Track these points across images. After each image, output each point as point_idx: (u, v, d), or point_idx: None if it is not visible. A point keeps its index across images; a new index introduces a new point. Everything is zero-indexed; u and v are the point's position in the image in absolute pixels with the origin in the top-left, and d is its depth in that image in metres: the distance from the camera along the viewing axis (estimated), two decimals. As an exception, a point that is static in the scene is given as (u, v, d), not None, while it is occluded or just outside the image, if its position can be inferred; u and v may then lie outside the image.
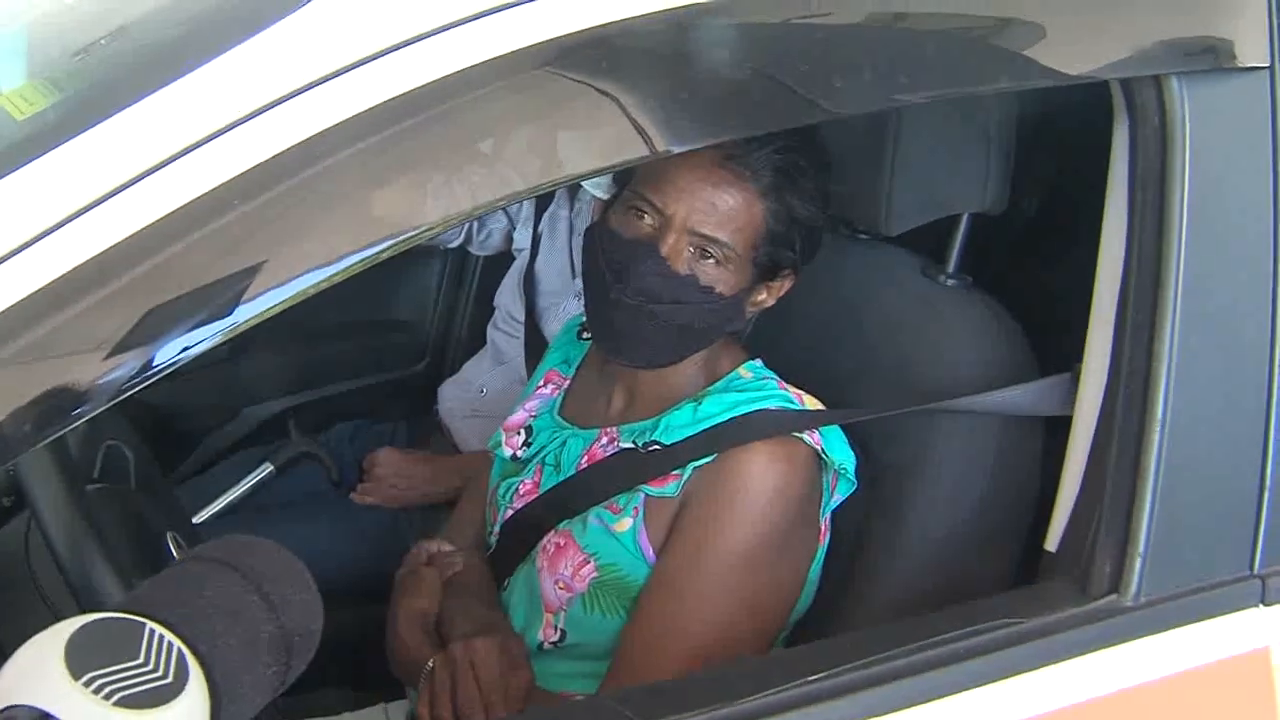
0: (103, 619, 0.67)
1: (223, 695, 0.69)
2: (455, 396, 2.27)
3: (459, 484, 2.07)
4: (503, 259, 2.40)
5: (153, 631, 0.67)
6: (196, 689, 0.67)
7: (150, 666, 0.66)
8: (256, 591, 0.73)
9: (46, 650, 0.65)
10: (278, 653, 0.73)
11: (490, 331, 2.31)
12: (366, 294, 2.46)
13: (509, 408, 1.65)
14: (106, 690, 0.64)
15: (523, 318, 2.19)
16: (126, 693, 0.65)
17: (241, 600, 0.72)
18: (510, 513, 1.52)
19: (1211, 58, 1.12)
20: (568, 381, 1.60)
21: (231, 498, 2.10)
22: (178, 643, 0.68)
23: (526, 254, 2.26)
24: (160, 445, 1.93)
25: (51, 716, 0.63)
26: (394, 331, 2.57)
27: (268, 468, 2.15)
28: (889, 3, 1.06)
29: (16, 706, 0.63)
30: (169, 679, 0.66)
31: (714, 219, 1.31)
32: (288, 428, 2.23)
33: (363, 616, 1.93)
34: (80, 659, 0.65)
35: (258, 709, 0.73)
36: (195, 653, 0.68)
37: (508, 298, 2.28)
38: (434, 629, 1.44)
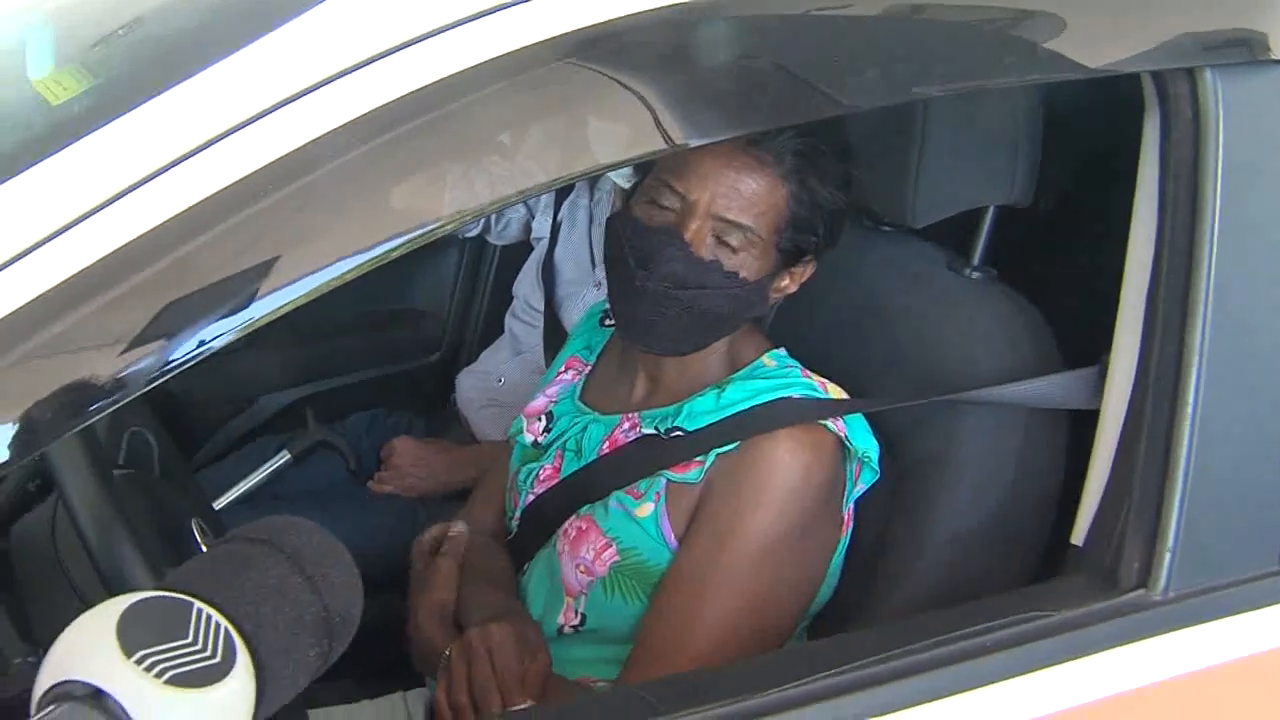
0: (152, 598, 0.67)
1: (267, 675, 0.69)
2: (473, 386, 2.27)
3: (477, 474, 2.07)
4: (520, 248, 2.40)
5: (200, 610, 0.67)
6: (243, 669, 0.68)
7: (199, 646, 0.66)
8: (300, 573, 0.73)
9: (99, 627, 0.66)
10: (320, 634, 0.74)
11: (509, 321, 2.31)
12: (383, 284, 2.46)
13: (527, 397, 1.65)
14: (158, 668, 0.64)
15: (541, 307, 2.19)
16: (177, 671, 0.65)
17: (286, 581, 0.73)
18: (531, 498, 1.52)
19: (1245, 50, 1.12)
20: (589, 368, 1.60)
21: (249, 485, 2.10)
22: (225, 622, 0.68)
23: (545, 243, 2.26)
24: (177, 433, 1.93)
25: (105, 692, 0.63)
26: (411, 321, 2.57)
27: (285, 456, 2.14)
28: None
29: (71, 682, 0.64)
30: (217, 658, 0.66)
31: (737, 204, 1.31)
32: (304, 417, 2.22)
33: (380, 605, 1.93)
34: (132, 637, 0.65)
35: (299, 689, 0.73)
36: (241, 632, 0.68)
37: (526, 287, 2.27)
38: (453, 619, 1.44)
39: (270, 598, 0.71)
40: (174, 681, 0.65)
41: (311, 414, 2.22)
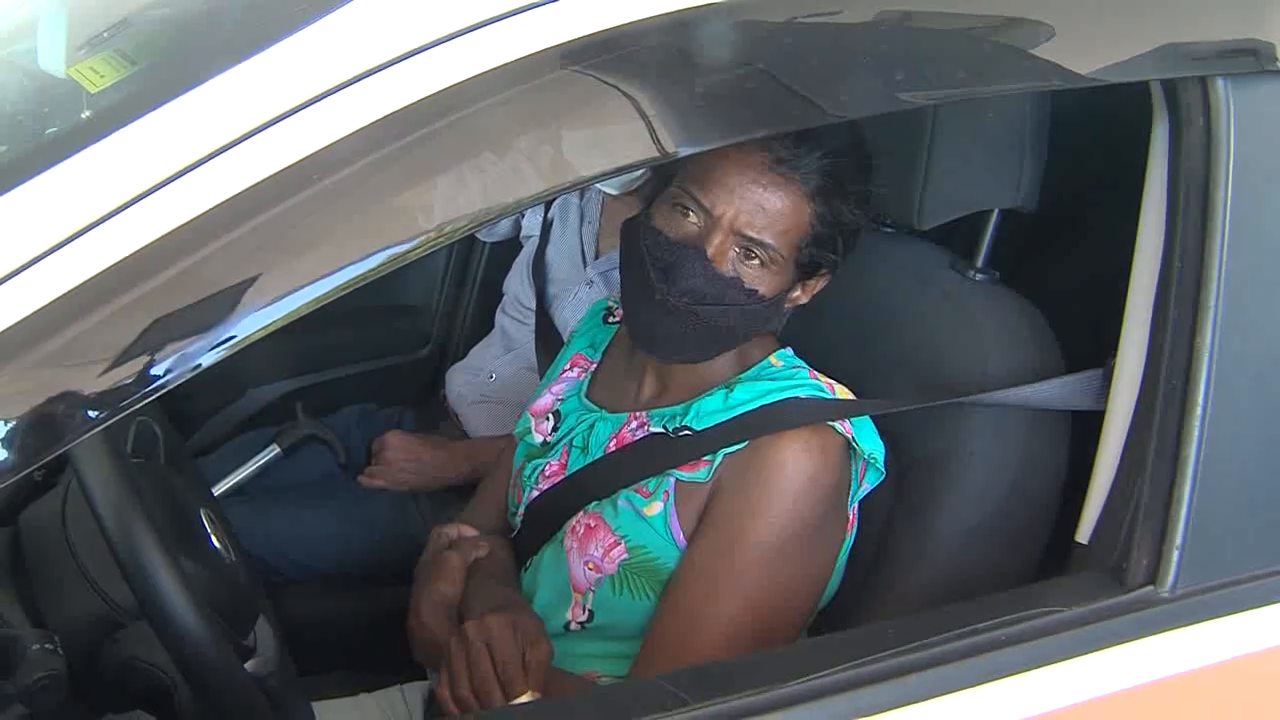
0: None
1: None
2: (464, 382, 2.27)
3: (469, 469, 2.07)
4: (509, 244, 2.40)
5: None
6: None
7: None
8: None
9: None
10: None
11: (499, 317, 2.31)
12: (373, 278, 2.45)
13: (519, 394, 1.65)
14: None
15: (532, 304, 2.19)
16: None
17: None
18: (535, 494, 1.52)
19: (1254, 60, 1.14)
20: (594, 365, 1.61)
21: (239, 478, 2.10)
22: None
23: (535, 240, 2.26)
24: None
25: None
26: (400, 316, 2.57)
27: (274, 449, 2.14)
28: (934, 2, 1.07)
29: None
30: None
31: (761, 221, 1.31)
32: (293, 410, 2.21)
33: (373, 599, 1.94)
34: None
35: None
36: None
37: (517, 284, 2.27)
38: (456, 613, 1.44)
39: None
40: None
41: (301, 407, 2.21)
